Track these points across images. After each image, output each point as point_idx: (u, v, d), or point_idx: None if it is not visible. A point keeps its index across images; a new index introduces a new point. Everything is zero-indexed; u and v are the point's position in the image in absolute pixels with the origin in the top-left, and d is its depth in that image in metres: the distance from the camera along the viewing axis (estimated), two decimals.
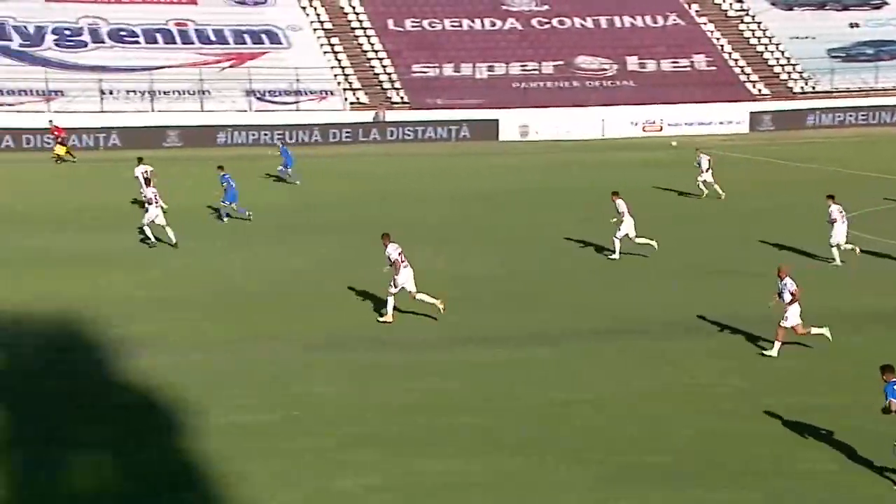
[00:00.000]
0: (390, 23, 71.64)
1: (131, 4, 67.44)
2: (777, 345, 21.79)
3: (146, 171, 39.67)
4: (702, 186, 42.13)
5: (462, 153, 59.25)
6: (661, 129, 67.84)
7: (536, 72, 70.51)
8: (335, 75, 67.11)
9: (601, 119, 67.34)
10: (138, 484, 16.50)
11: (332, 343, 23.59)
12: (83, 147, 57.93)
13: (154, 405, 19.66)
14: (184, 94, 63.01)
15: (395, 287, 24.73)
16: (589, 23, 74.51)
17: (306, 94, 65.02)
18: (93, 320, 24.79)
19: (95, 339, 23.57)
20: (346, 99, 66.09)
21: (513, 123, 66.44)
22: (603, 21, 74.71)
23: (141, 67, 63.28)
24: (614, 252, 31.26)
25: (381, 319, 24.83)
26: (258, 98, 64.33)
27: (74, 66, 62.88)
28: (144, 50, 65.17)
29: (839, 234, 30.34)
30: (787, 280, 21.81)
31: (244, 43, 67.49)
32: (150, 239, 33.00)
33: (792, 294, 21.67)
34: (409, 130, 64.74)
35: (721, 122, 68.56)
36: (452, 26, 72.60)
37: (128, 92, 62.27)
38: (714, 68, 72.31)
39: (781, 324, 21.65)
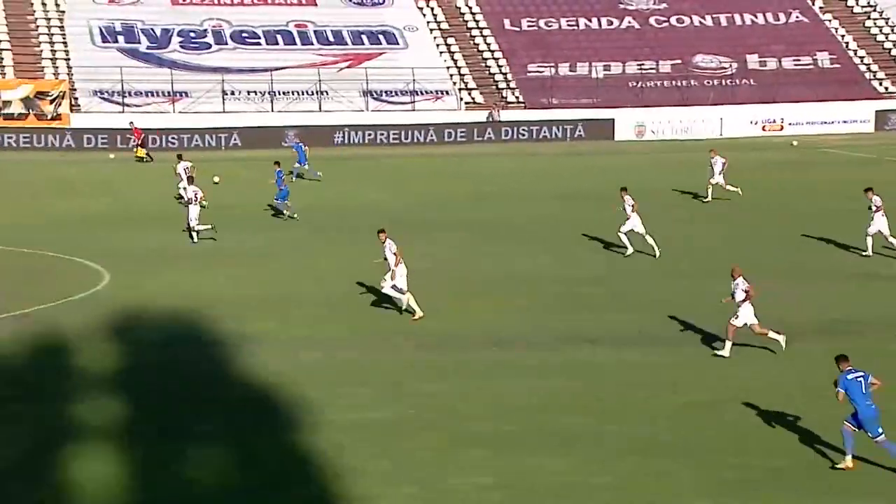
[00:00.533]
0: (506, 22, 71.66)
1: (253, 6, 68.73)
2: (728, 344, 21.85)
3: (187, 168, 40.43)
4: (710, 189, 41.26)
5: (576, 153, 58.95)
6: (782, 129, 66.53)
7: (653, 71, 69.78)
8: (451, 75, 67.39)
9: (719, 118, 66.35)
10: (254, 478, 16.79)
11: (444, 341, 23.69)
12: (206, 147, 59.24)
13: (270, 400, 20.00)
14: (302, 94, 63.99)
15: (390, 283, 24.91)
16: (708, 21, 73.47)
17: (422, 94, 65.44)
18: (210, 317, 25.33)
19: (212, 335, 24.08)
20: (461, 99, 66.33)
21: (628, 123, 65.88)
22: (722, 19, 73.59)
23: (261, 68, 64.45)
24: (627, 248, 31.31)
25: (414, 319, 24.72)
26: (375, 98, 64.98)
27: (198, 67, 64.36)
28: (265, 51, 66.37)
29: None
30: (740, 280, 22.01)
31: (362, 43, 68.24)
32: (193, 238, 33.59)
33: (745, 292, 21.85)
34: (523, 130, 64.66)
35: (845, 121, 66.94)
36: (569, 25, 72.29)
37: (249, 92, 63.49)
38: (838, 66, 70.61)
39: (731, 321, 21.85)
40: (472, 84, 67.36)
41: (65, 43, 63.50)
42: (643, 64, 69.87)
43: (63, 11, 64.79)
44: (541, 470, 16.73)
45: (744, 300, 21.86)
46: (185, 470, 17.00)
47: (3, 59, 61.83)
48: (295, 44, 67.38)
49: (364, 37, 68.64)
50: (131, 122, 56.42)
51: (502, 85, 67.88)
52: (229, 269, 30.30)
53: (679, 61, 70.09)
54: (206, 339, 23.85)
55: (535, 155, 58.36)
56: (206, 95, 62.11)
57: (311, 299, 27.16)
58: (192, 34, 66.26)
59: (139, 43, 64.89)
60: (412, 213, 39.52)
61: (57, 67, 62.12)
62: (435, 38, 69.75)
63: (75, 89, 60.78)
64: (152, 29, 65.70)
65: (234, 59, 65.26)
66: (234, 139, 60.32)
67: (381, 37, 68.91)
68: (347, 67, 66.26)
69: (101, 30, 64.58)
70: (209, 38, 66.37)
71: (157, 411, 19.50)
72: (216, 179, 41.46)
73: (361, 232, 35.69)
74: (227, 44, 66.42)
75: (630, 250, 31.33)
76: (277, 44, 67.09)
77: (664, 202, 41.02)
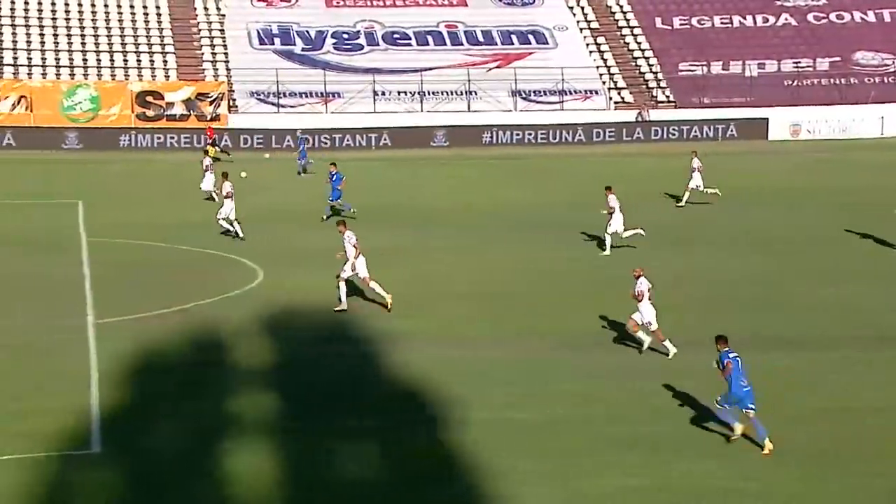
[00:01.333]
0: (658, 21, 70.87)
1: (405, 8, 69.63)
2: (668, 343, 22.29)
3: (209, 164, 42.41)
4: (687, 193, 40.46)
5: (728, 153, 57.91)
6: None
7: (810, 68, 68.04)
8: (600, 75, 67.03)
9: (880, 117, 64.31)
10: (402, 474, 17.15)
11: (589, 342, 23.73)
12: (356, 147, 60.34)
13: (417, 398, 20.35)
14: (451, 94, 64.57)
15: (348, 273, 25.81)
16: (870, 16, 71.27)
17: (571, 93, 65.25)
18: (359, 314, 25.91)
19: (361, 332, 24.62)
20: (610, 98, 65.92)
21: (783, 122, 64.41)
22: (886, 14, 71.29)
23: (412, 69, 65.27)
24: (605, 248, 31.95)
25: (336, 309, 25.59)
26: (523, 98, 65.10)
27: (350, 68, 65.56)
28: (416, 52, 67.18)
29: None
30: (642, 279, 22.42)
31: (511, 43, 68.44)
32: (229, 231, 34.34)
33: (643, 293, 22.33)
34: (673, 130, 63.87)
35: None
36: (722, 23, 71.06)
37: (399, 93, 64.40)
38: None
39: (632, 316, 22.40)
40: (621, 83, 66.87)
41: (224, 46, 65.51)
42: (800, 62, 68.21)
43: (223, 15, 66.84)
44: (691, 473, 16.64)
45: (644, 299, 22.37)
46: (334, 465, 17.45)
47: (167, 62, 64.15)
48: (445, 44, 68.01)
49: (514, 37, 68.82)
50: (207, 122, 57.39)
51: (652, 84, 67.19)
52: (378, 268, 30.88)
53: (838, 59, 68.19)
54: (356, 336, 24.39)
55: (685, 154, 57.54)
56: (357, 96, 63.26)
57: (455, 298, 27.47)
58: (346, 35, 67.53)
59: (294, 45, 66.47)
60: (557, 213, 39.55)
61: (217, 70, 64.12)
62: (585, 37, 69.46)
63: (233, 91, 62.63)
64: (307, 31, 67.21)
65: (386, 60, 66.25)
66: (384, 139, 61.26)
67: (530, 36, 68.98)
68: (496, 67, 66.54)
69: (258, 32, 66.39)
70: (361, 40, 67.53)
71: (309, 407, 20.03)
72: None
73: (506, 232, 36.00)
74: (378, 45, 67.48)
75: (608, 252, 31.89)
76: (428, 44, 67.83)
77: (824, 202, 40.09)
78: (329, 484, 16.77)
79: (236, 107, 62.07)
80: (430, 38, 68.17)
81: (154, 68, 63.45)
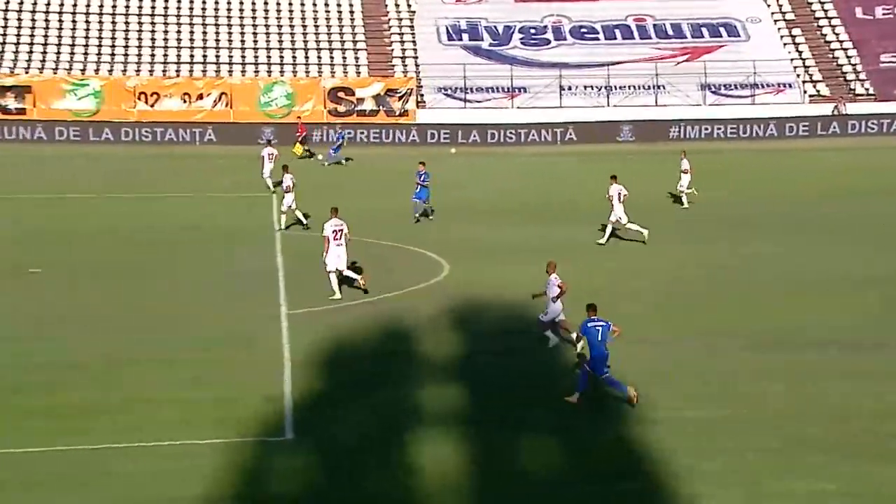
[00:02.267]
0: (858, 11, 68.30)
1: (593, 2, 69.15)
2: (552, 335, 22.75)
3: (271, 154, 42.78)
4: (684, 195, 39.06)
5: None
6: None
7: None
8: (794, 67, 65.09)
9: None
10: (585, 469, 17.17)
11: (776, 341, 23.18)
12: (542, 142, 60.32)
13: (602, 394, 20.31)
14: (639, 88, 63.84)
15: (329, 265, 26.61)
16: None
17: (763, 87, 63.59)
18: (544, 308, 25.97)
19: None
20: (804, 92, 63.92)
21: None
22: None
23: (599, 63, 64.82)
24: (642, 232, 32.60)
25: (332, 298, 26.33)
26: (713, 92, 63.81)
27: (537, 63, 65.58)
28: (603, 46, 66.66)
29: None
30: (553, 276, 22.62)
31: (701, 36, 67.16)
32: (301, 222, 34.60)
33: (559, 287, 22.46)
34: (872, 124, 61.48)
35: None
36: None
37: (585, 87, 64.08)
38: None
39: (540, 317, 22.78)
40: (817, 76, 64.76)
41: (414, 42, 66.51)
42: None
43: (413, 12, 67.85)
44: (885, 479, 16.07)
45: (557, 297, 22.51)
46: (517, 459, 17.59)
47: (358, 58, 65.60)
48: (633, 38, 67.27)
49: (704, 29, 67.50)
50: (299, 117, 57.70)
51: (850, 76, 64.82)
52: (561, 264, 30.87)
53: None
54: (540, 331, 24.48)
55: (885, 149, 55.39)
56: (543, 91, 63.24)
57: (637, 295, 27.26)
58: (533, 31, 67.57)
59: (482, 40, 66.92)
60: (744, 209, 38.67)
61: (406, 66, 65.17)
62: (779, 28, 67.56)
63: (422, 86, 63.55)
64: (495, 26, 67.55)
65: (572, 55, 65.97)
66: (570, 134, 61.04)
67: (721, 29, 67.53)
68: (685, 61, 65.42)
69: (447, 28, 67.13)
70: (549, 35, 67.46)
71: (493, 400, 20.23)
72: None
73: (690, 228, 35.43)
74: (565, 39, 67.25)
75: (604, 241, 32.76)
76: (615, 38, 67.22)
77: None
78: (512, 477, 16.91)
79: (424, 102, 62.94)
80: (617, 33, 67.54)
81: (346, 65, 64.97)
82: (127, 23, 64.54)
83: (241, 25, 65.96)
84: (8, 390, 20.28)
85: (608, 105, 63.10)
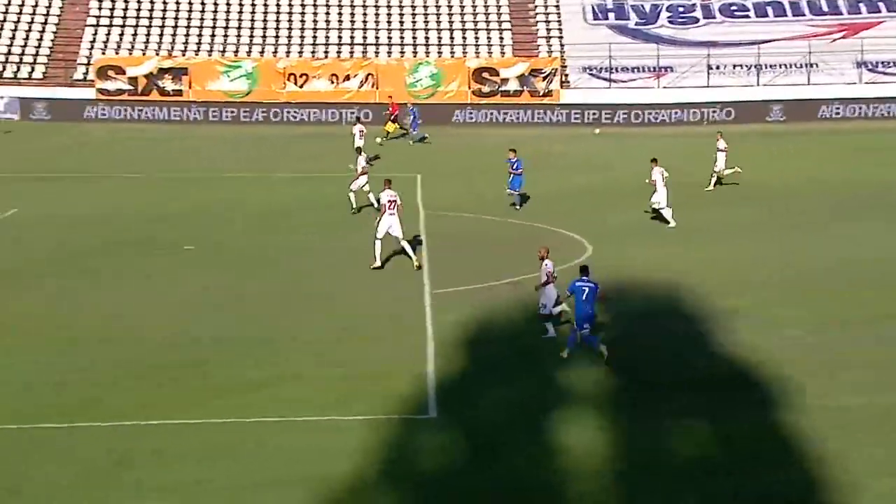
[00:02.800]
0: None
1: None
2: (549, 326, 22.44)
3: (362, 132, 44.09)
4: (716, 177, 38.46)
5: None
6: None
7: None
8: None
9: None
10: (732, 456, 16.97)
11: None
12: (687, 122, 59.35)
13: (748, 378, 19.99)
14: (790, 67, 62.23)
15: (379, 232, 27.55)
16: None
17: None
18: (686, 291, 25.67)
19: (688, 310, 24.42)
20: None
21: None
22: None
23: (749, 42, 63.37)
24: (669, 222, 32.57)
25: (372, 266, 27.41)
26: (869, 70, 61.76)
27: (684, 42, 64.50)
28: (754, 24, 65.11)
29: None
30: (547, 262, 22.53)
31: (858, 12, 65.01)
32: (373, 205, 34.03)
33: (548, 276, 22.34)
34: None
35: None
36: None
37: (734, 66, 62.79)
38: None
39: (540, 309, 22.50)
40: None
41: (559, 22, 66.16)
42: None
43: None
44: None
45: (545, 283, 22.34)
46: (661, 445, 17.50)
47: (503, 38, 65.63)
48: (785, 15, 65.51)
49: (862, 5, 65.30)
50: (390, 97, 57.29)
51: None
52: (709, 245, 30.50)
53: None
54: (683, 313, 24.24)
55: None
56: (690, 70, 62.21)
57: (789, 278, 26.74)
58: (681, 9, 66.43)
59: (628, 19, 66.11)
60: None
61: (551, 45, 64.91)
62: None
63: (566, 66, 63.24)
64: (642, 5, 66.64)
65: (721, 33, 64.65)
66: (717, 114, 59.92)
67: (881, 4, 65.23)
68: (841, 38, 63.46)
69: (593, 8, 66.51)
70: (697, 13, 66.22)
71: (636, 382, 20.15)
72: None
73: (843, 211, 34.49)
74: (714, 17, 65.92)
75: (672, 224, 32.60)
76: (767, 16, 65.58)
77: None
78: (655, 463, 16.83)
79: (568, 82, 62.63)
80: (769, 10, 65.89)
81: (491, 45, 65.08)
82: (278, 5, 65.92)
83: (388, 7, 66.65)
84: (164, 365, 21.11)
85: (758, 84, 61.69)
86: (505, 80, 61.49)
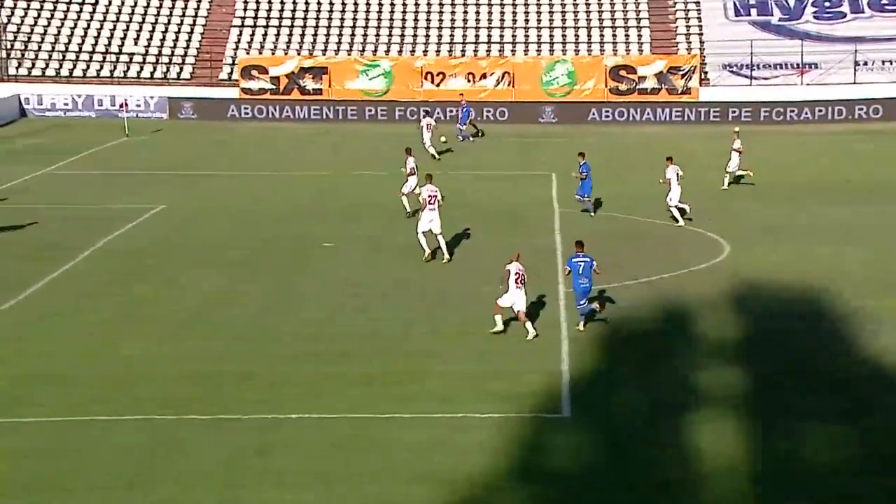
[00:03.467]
0: None
1: None
2: (498, 319, 22.84)
3: (430, 125, 44.75)
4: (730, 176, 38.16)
5: None
6: None
7: None
8: None
9: None
10: (865, 462, 16.58)
11: None
12: (832, 120, 57.77)
13: (885, 380, 19.49)
14: None
15: (422, 227, 28.58)
16: None
17: None
18: (827, 291, 25.13)
19: (829, 310, 23.91)
20: None
21: None
22: None
23: None
24: (678, 220, 32.81)
25: (423, 258, 28.28)
26: None
27: (830, 38, 62.81)
28: None
29: None
30: (514, 265, 22.95)
31: None
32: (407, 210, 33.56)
33: (516, 275, 22.78)
34: None
35: None
36: None
37: (883, 63, 60.89)
38: None
39: (497, 301, 22.84)
40: None
41: (699, 18, 65.16)
42: None
43: None
44: None
45: (514, 284, 22.68)
46: (798, 445, 17.18)
47: (641, 36, 64.97)
48: None
49: None
50: (461, 94, 55.88)
51: None
52: (836, 245, 29.76)
53: None
54: (823, 314, 23.75)
55: None
56: (836, 67, 60.55)
57: None
58: (827, 4, 64.70)
59: (771, 15, 64.69)
60: None
61: (690, 43, 63.98)
62: None
63: (705, 63, 62.24)
64: (786, 1, 65.19)
65: (871, 28, 62.74)
66: (865, 111, 58.18)
67: None
68: None
69: (734, 4, 65.28)
70: (844, 7, 64.41)
71: (770, 384, 19.82)
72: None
73: None
74: (863, 12, 64.04)
75: (681, 222, 32.73)
76: None
77: None
78: (793, 465, 16.53)
79: (708, 80, 61.63)
80: None
81: (628, 43, 64.49)
82: (417, 4, 66.54)
83: (526, 5, 66.65)
84: (303, 360, 21.58)
85: None
86: (642, 78, 60.84)
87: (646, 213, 35.22)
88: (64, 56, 62.44)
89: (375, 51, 63.72)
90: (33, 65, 61.88)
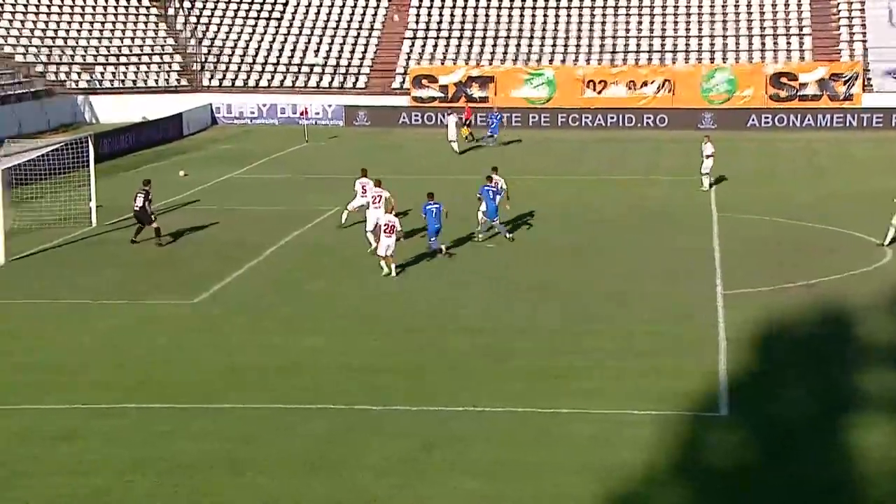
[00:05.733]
0: None
1: None
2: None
3: (457, 122, 46.99)
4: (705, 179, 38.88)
5: None
6: None
7: None
8: None
9: None
10: None
11: None
12: None
13: None
14: None
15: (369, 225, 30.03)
16: None
17: None
18: None
19: None
20: None
21: None
22: None
23: None
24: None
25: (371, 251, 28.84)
26: None
27: None
28: None
29: None
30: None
31: None
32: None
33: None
34: None
35: None
36: None
37: None
38: None
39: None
40: None
41: (863, 25, 62.86)
42: None
43: None
44: None
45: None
46: None
47: (803, 43, 63.04)
48: None
49: None
50: (466, 100, 54.69)
51: None
52: None
53: None
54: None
55: None
56: None
57: None
58: None
59: None
60: None
61: (853, 49, 61.77)
62: None
63: (868, 70, 59.96)
64: None
65: None
66: None
67: None
68: None
69: None
70: None
71: None
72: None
73: None
74: None
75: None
76: None
77: None
78: None
79: (871, 86, 59.34)
80: None
81: (790, 50, 62.67)
82: (581, 15, 66.16)
83: (688, 15, 65.51)
84: (468, 354, 21.64)
85: None
86: (803, 85, 59.12)
87: (803, 217, 34.14)
88: (251, 68, 64.43)
89: (539, 60, 63.59)
90: (224, 77, 64.05)
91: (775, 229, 32.91)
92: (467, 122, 54.12)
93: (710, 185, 39.45)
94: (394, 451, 16.71)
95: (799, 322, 23.29)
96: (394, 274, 27.12)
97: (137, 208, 31.24)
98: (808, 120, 57.79)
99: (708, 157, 39.16)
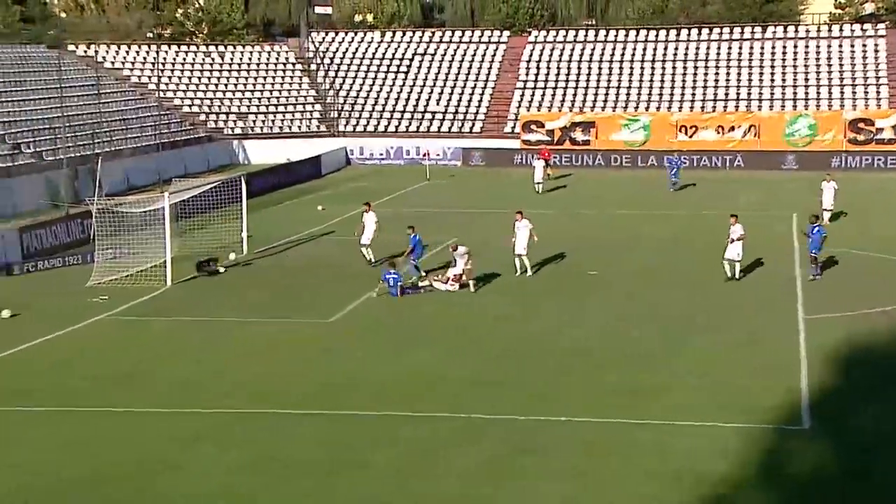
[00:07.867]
0: None
1: None
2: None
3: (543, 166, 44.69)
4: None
5: None
6: None
7: None
8: None
9: None
10: None
11: None
12: None
13: None
14: None
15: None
16: None
17: None
18: None
19: None
20: None
21: None
22: None
23: None
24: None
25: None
26: None
27: None
28: None
29: None
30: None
31: None
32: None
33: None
34: None
35: None
36: None
37: None
38: None
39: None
40: None
41: None
42: None
43: None
44: None
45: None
46: None
47: (879, 92, 61.11)
48: None
49: None
50: (544, 144, 52.31)
51: None
52: None
53: None
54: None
55: None
56: None
57: None
58: None
59: None
60: None
61: None
62: None
63: None
64: None
65: None
66: None
67: None
68: None
69: None
70: None
71: None
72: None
73: None
74: None
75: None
76: None
77: None
78: None
79: None
80: None
81: (867, 98, 60.76)
82: (674, 67, 65.31)
83: (772, 67, 64.17)
84: (564, 370, 21.33)
85: None
86: (880, 130, 57.25)
87: (884, 250, 32.89)
88: (381, 115, 65.26)
89: (637, 107, 62.94)
90: (357, 123, 65.02)
91: (853, 260, 31.75)
92: (548, 163, 53.21)
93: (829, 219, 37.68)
94: (488, 457, 16.30)
95: (876, 345, 22.36)
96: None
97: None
98: (884, 162, 55.91)
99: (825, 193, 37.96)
